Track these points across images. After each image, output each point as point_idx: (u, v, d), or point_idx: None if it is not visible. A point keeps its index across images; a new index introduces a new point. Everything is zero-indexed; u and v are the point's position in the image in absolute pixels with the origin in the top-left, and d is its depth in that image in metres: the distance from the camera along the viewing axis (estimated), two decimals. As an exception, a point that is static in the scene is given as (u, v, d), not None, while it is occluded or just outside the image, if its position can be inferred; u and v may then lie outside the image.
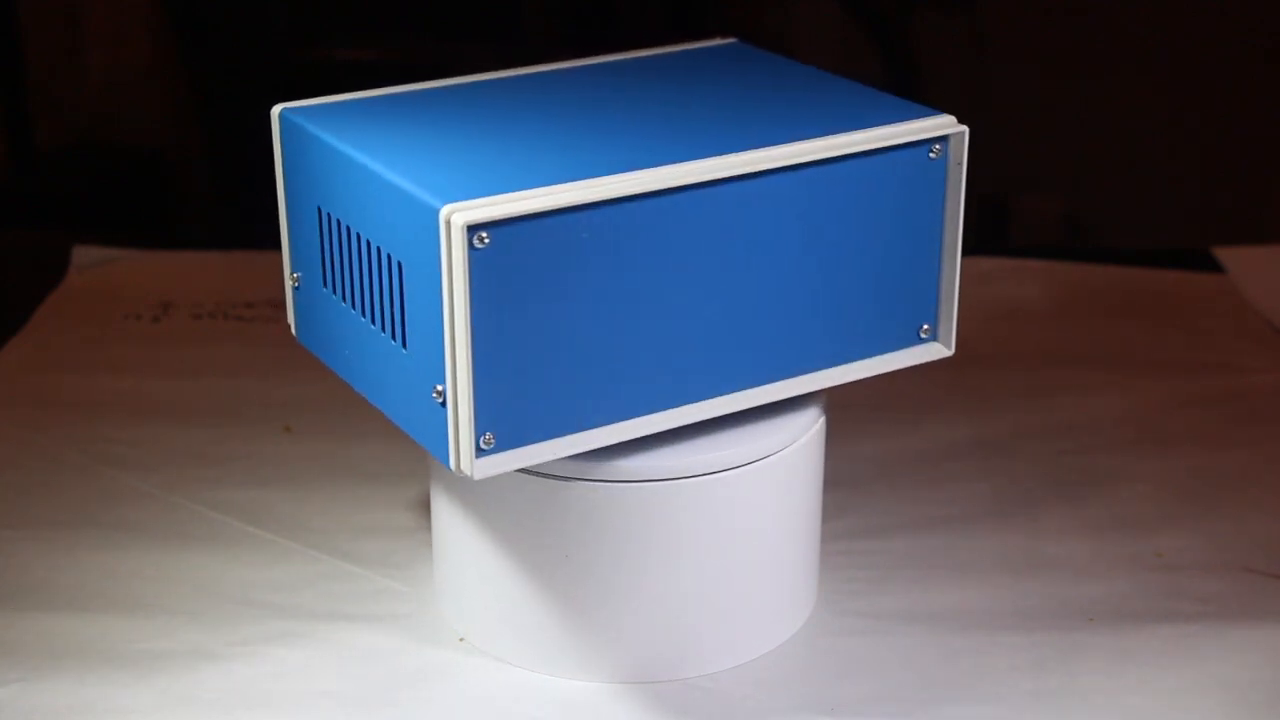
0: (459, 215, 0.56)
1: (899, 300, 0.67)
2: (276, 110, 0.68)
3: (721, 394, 0.64)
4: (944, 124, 0.66)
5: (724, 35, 0.76)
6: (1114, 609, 0.72)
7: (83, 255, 1.09)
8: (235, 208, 1.53)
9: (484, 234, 0.57)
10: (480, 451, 0.59)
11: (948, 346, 0.68)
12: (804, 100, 0.68)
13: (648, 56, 0.74)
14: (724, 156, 0.61)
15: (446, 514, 0.69)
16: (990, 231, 1.50)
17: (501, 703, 0.66)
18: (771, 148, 0.62)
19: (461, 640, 0.69)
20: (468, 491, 0.67)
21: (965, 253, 1.09)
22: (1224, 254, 1.11)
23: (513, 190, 0.58)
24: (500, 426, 0.59)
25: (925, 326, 0.68)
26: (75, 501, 0.80)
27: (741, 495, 0.65)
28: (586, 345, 0.61)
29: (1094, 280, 1.09)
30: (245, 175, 1.50)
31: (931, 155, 0.66)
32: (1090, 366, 0.96)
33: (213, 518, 0.79)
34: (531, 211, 0.57)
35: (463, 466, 0.59)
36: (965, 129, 0.66)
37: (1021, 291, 1.07)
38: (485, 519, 0.66)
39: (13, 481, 0.82)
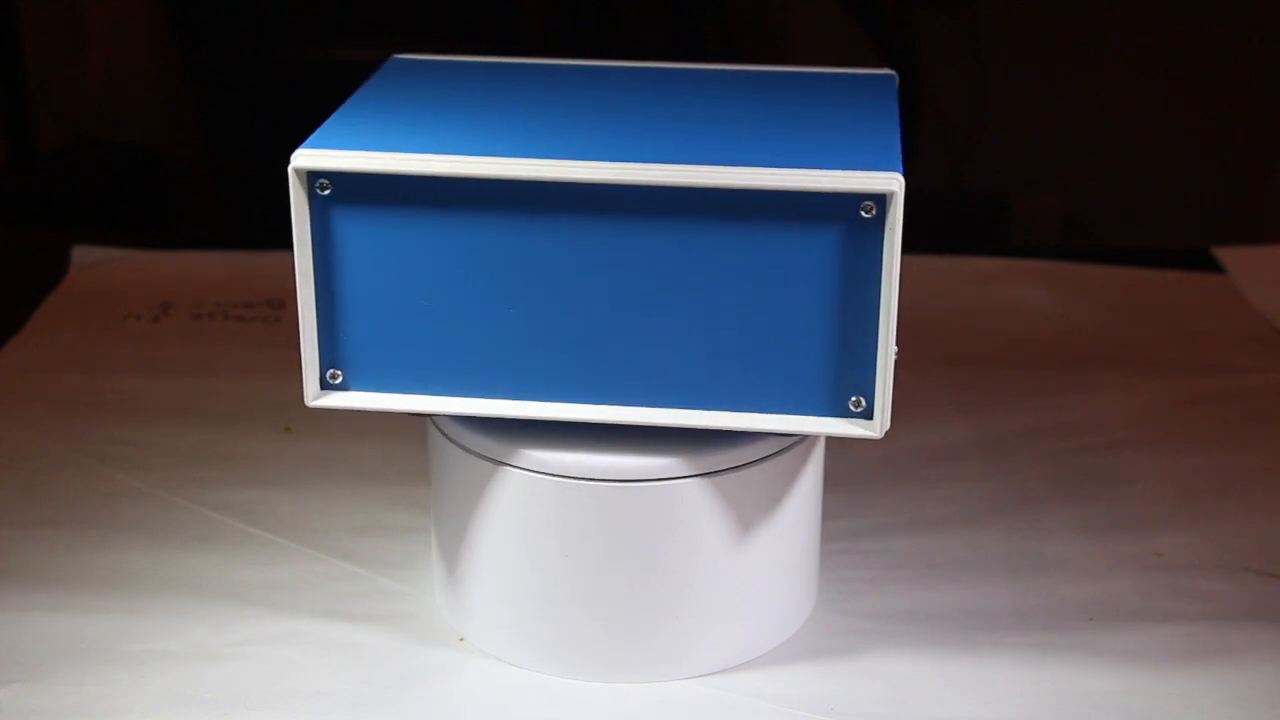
0: (301, 160, 0.61)
1: (822, 364, 0.62)
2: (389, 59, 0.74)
3: (597, 402, 0.63)
4: (879, 180, 0.59)
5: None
6: (1114, 609, 0.72)
7: (83, 255, 1.09)
8: (235, 208, 1.53)
9: (324, 181, 0.61)
10: (326, 384, 0.64)
11: (876, 429, 0.62)
12: (784, 132, 0.64)
13: (772, 72, 0.73)
14: (587, 161, 0.60)
15: (446, 514, 0.69)
16: (990, 231, 1.50)
17: (501, 703, 0.66)
18: (643, 164, 0.60)
19: (461, 640, 0.69)
20: (468, 491, 0.67)
21: (965, 252, 1.10)
22: (1224, 254, 1.11)
23: (380, 150, 0.61)
24: (348, 366, 0.64)
25: (857, 399, 0.62)
26: (75, 501, 0.80)
27: (742, 495, 0.65)
28: (436, 312, 0.62)
29: (1094, 280, 1.09)
30: (245, 175, 1.50)
31: (864, 214, 0.59)
32: (1090, 366, 0.96)
33: (213, 518, 0.79)
34: (372, 170, 0.60)
35: (306, 394, 0.64)
36: (899, 190, 0.59)
37: (1021, 291, 1.07)
38: (485, 519, 0.66)
39: (13, 481, 0.82)
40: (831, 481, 0.76)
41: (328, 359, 0.64)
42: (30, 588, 0.73)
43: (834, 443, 0.77)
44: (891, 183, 0.59)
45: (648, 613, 0.65)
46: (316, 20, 1.49)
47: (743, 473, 0.65)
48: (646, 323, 0.62)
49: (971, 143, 1.46)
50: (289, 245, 1.15)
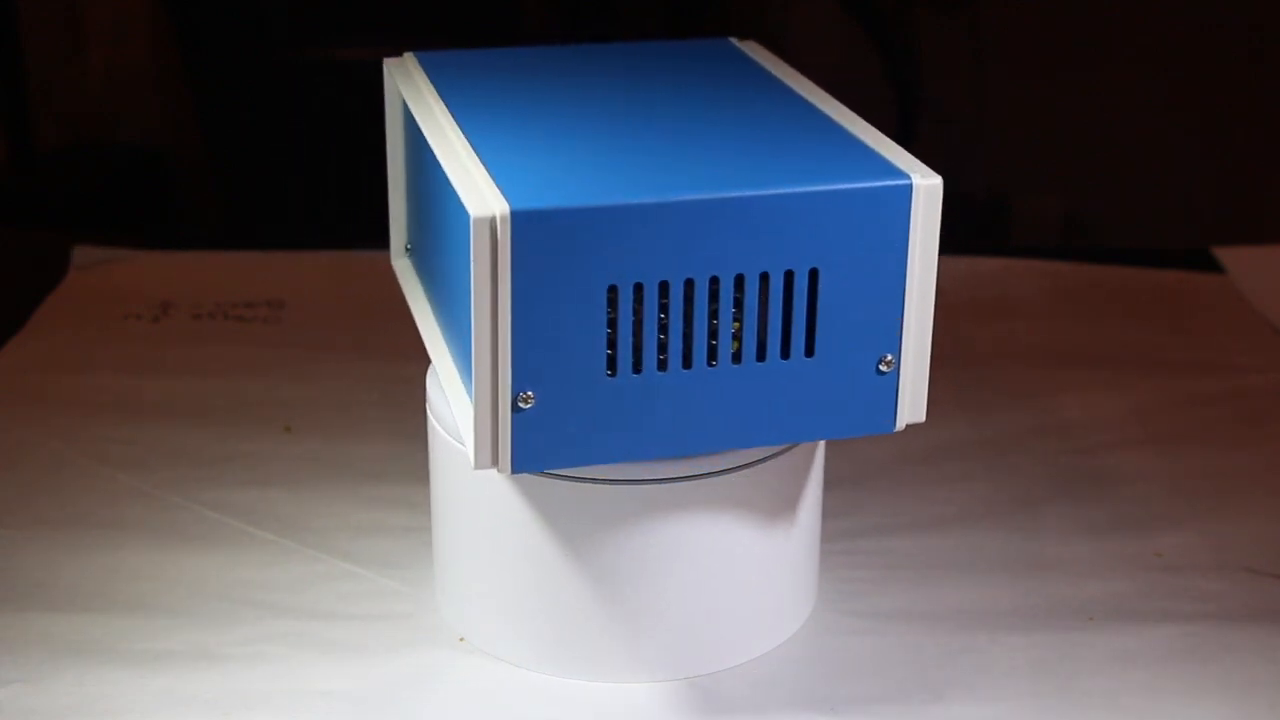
0: (394, 62, 0.72)
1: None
2: None
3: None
4: (481, 202, 0.56)
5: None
6: (1114, 609, 0.72)
7: (83, 255, 1.09)
8: (235, 208, 1.53)
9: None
10: (407, 250, 0.74)
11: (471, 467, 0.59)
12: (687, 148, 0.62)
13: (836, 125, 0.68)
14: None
15: (446, 514, 0.69)
16: (990, 231, 1.50)
17: (501, 703, 0.66)
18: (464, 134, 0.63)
19: (461, 640, 0.69)
20: (468, 491, 0.67)
21: (966, 253, 1.10)
22: (1224, 254, 1.11)
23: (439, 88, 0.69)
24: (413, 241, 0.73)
25: None
26: (75, 501, 0.80)
27: (743, 495, 0.65)
28: (419, 218, 0.70)
29: (1094, 280, 1.09)
30: (245, 175, 1.50)
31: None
32: (1090, 366, 0.96)
33: (213, 518, 0.79)
34: (413, 103, 0.68)
35: (392, 256, 0.74)
36: (492, 217, 0.54)
37: (1021, 291, 1.07)
38: (485, 519, 0.66)
39: (13, 481, 0.82)
40: (831, 481, 0.76)
41: (410, 233, 0.73)
42: (30, 588, 0.73)
43: (834, 443, 0.77)
44: (491, 207, 0.55)
45: (648, 612, 0.65)
46: (316, 20, 1.49)
47: (743, 473, 0.65)
48: (449, 285, 0.64)
49: (971, 143, 1.46)
50: (289, 245, 1.15)
